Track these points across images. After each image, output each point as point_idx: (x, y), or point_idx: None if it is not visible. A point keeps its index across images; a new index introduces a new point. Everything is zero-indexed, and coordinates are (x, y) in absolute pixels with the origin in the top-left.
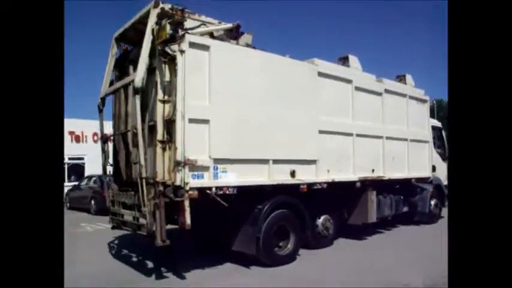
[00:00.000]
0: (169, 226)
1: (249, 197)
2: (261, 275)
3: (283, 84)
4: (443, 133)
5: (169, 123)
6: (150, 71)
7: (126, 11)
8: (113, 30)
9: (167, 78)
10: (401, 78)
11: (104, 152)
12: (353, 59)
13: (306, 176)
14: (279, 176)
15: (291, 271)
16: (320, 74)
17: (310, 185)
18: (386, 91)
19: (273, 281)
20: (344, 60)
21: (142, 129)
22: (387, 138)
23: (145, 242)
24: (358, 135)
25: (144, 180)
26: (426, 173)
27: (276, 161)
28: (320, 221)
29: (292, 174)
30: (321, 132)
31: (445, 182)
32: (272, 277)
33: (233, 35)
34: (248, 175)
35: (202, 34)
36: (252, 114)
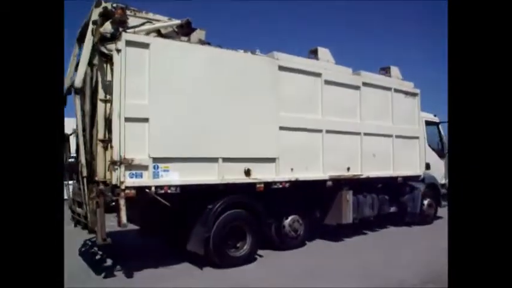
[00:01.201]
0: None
1: (201, 196)
2: (209, 276)
3: (237, 79)
4: (441, 128)
5: (109, 123)
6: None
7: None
8: None
9: (108, 77)
10: (386, 71)
11: (64, 151)
12: (323, 52)
13: (263, 174)
14: (231, 174)
15: (243, 273)
16: (281, 68)
17: (268, 184)
18: (365, 84)
19: (216, 283)
20: (313, 53)
21: (83, 129)
22: (366, 134)
23: (120, 240)
24: (328, 131)
25: (85, 179)
26: (416, 171)
27: (226, 159)
28: (287, 221)
29: (247, 172)
30: (282, 128)
31: (442, 181)
32: (218, 280)
33: (185, 31)
34: (195, 174)
35: (148, 32)
36: (197, 112)
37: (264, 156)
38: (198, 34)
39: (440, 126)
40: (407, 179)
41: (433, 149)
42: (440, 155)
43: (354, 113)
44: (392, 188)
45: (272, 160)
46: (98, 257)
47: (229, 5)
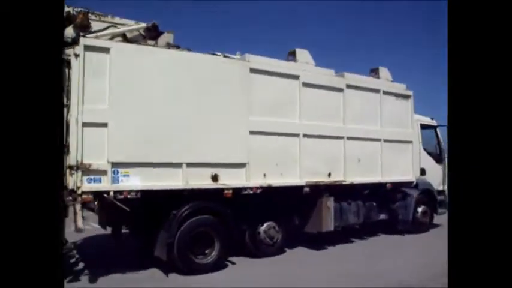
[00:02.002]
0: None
1: (167, 201)
2: (171, 283)
3: (204, 83)
4: (438, 132)
5: (68, 127)
6: None
7: (127, 12)
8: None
9: (68, 82)
10: (375, 72)
11: None
12: (302, 53)
13: (233, 180)
14: (197, 180)
15: (207, 280)
16: (253, 71)
17: (238, 190)
18: (349, 87)
19: None
20: (292, 55)
21: None
22: (350, 138)
23: (104, 243)
24: (307, 135)
25: None
26: (409, 176)
27: (191, 165)
28: (262, 228)
29: (214, 178)
30: (253, 133)
31: (440, 187)
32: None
33: (152, 34)
34: (159, 179)
35: (113, 36)
36: (160, 116)
37: (232, 161)
38: (166, 37)
39: (438, 129)
40: (398, 185)
41: (430, 154)
42: (438, 159)
43: (337, 116)
44: (382, 195)
45: (242, 165)
46: (73, 260)
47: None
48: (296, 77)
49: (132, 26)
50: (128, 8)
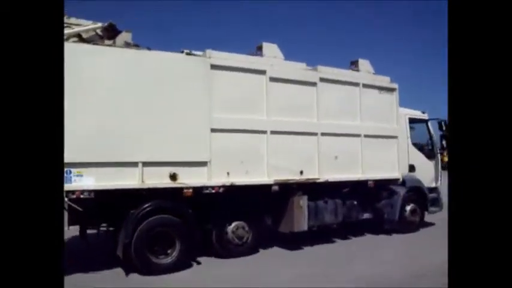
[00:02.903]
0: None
1: (125, 201)
2: (128, 283)
3: (161, 81)
4: (430, 126)
5: None
6: None
7: (126, 12)
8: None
9: None
10: (356, 65)
11: None
12: (269, 47)
13: (193, 179)
14: (155, 179)
15: (165, 281)
16: (214, 67)
17: (199, 189)
18: (324, 80)
19: None
20: (259, 50)
21: None
22: (324, 134)
23: (75, 243)
24: (275, 132)
25: None
26: (394, 173)
27: (148, 164)
28: (230, 228)
29: (173, 177)
30: (214, 130)
31: (432, 184)
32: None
33: (110, 34)
34: (114, 179)
35: (68, 37)
36: (114, 115)
37: (193, 160)
38: (124, 37)
39: (430, 124)
40: (383, 182)
41: (421, 149)
42: (429, 155)
43: (310, 111)
44: (365, 193)
45: (203, 164)
46: None
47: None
48: (262, 72)
49: (88, 26)
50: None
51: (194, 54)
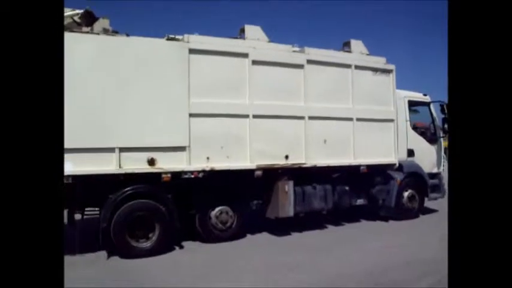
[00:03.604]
0: None
1: (105, 186)
2: (107, 266)
3: (139, 67)
4: (432, 109)
5: None
6: None
7: (127, 12)
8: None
9: None
10: (348, 46)
11: None
12: (252, 29)
13: (172, 164)
14: (133, 164)
15: (141, 265)
16: (192, 51)
17: (177, 174)
18: (311, 62)
19: (106, 274)
20: (242, 32)
21: None
22: (312, 118)
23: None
24: (257, 116)
25: None
26: (390, 158)
27: (125, 149)
28: (213, 213)
29: (151, 162)
30: (193, 115)
31: (433, 170)
32: (109, 270)
33: (88, 21)
34: (92, 164)
35: None
36: (89, 101)
37: (171, 145)
38: (102, 23)
39: (432, 106)
40: (377, 167)
41: (422, 133)
42: (431, 139)
43: (296, 94)
44: (358, 178)
45: (182, 149)
46: None
47: None
48: (244, 55)
49: (66, 13)
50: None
51: (176, 39)
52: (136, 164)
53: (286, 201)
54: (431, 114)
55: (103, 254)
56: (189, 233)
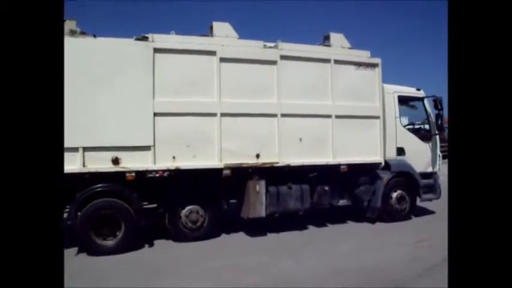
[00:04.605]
0: None
1: (72, 184)
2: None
3: (101, 67)
4: (426, 105)
5: None
6: None
7: (128, 12)
8: (114, 30)
9: None
10: (328, 40)
11: None
12: (220, 26)
13: (137, 163)
14: (98, 163)
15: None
16: (157, 51)
17: (142, 173)
18: (285, 58)
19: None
20: (211, 30)
21: None
22: (286, 116)
23: None
24: (226, 114)
25: None
26: (375, 157)
27: (90, 148)
28: (183, 212)
29: (115, 161)
30: (158, 114)
31: (428, 169)
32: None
33: None
34: None
35: None
36: None
37: (135, 144)
38: (68, 24)
39: (426, 101)
40: (361, 167)
41: (415, 130)
42: (425, 137)
43: (269, 91)
44: (341, 178)
45: (147, 148)
46: None
47: None
48: (212, 53)
49: None
50: None
51: (145, 39)
52: (100, 163)
53: (257, 201)
54: (426, 110)
55: (74, 251)
56: (164, 231)
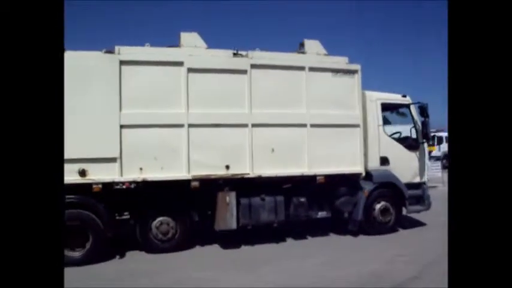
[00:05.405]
0: None
1: None
2: None
3: (69, 80)
4: (413, 112)
5: None
6: None
7: (128, 12)
8: (113, 30)
9: None
10: (302, 47)
11: None
12: (188, 36)
13: (103, 175)
14: (64, 175)
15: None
16: (124, 63)
17: (109, 185)
18: (256, 67)
19: None
20: (178, 40)
21: None
22: (257, 126)
23: None
24: (194, 125)
25: None
26: (355, 167)
27: None
28: (154, 223)
29: (82, 173)
30: (124, 127)
31: (415, 179)
32: None
33: None
34: None
35: None
36: None
37: (101, 156)
38: None
39: (412, 108)
40: (341, 177)
41: (402, 139)
42: (411, 145)
43: (240, 101)
44: (320, 189)
45: (113, 160)
46: None
47: None
48: (180, 64)
49: None
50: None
51: (95, 52)
52: (67, 175)
53: (227, 213)
54: (412, 117)
55: None
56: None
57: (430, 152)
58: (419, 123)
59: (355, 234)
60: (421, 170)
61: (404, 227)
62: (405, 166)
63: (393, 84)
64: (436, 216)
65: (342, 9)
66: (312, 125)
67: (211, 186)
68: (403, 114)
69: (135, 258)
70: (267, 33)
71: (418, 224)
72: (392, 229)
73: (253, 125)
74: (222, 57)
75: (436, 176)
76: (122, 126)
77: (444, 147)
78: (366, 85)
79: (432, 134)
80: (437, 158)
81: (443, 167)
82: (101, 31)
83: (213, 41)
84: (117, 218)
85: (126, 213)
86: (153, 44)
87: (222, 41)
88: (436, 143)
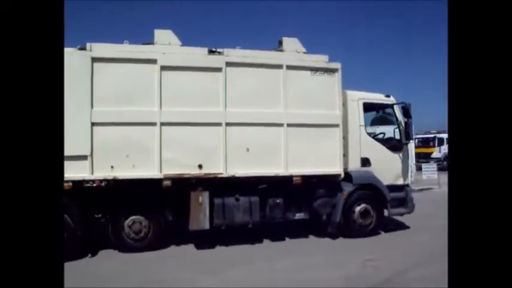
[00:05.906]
0: None
1: None
2: None
3: None
4: (397, 112)
5: None
6: None
7: (128, 12)
8: (113, 30)
9: None
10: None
11: None
12: (162, 34)
13: (73, 173)
14: None
15: None
16: (96, 60)
17: (79, 183)
18: (231, 64)
19: None
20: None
21: None
22: (232, 124)
23: None
24: (166, 124)
25: None
26: (334, 168)
27: None
28: (126, 222)
29: None
30: (95, 124)
31: (398, 181)
32: None
33: None
34: None
35: None
36: None
37: (72, 153)
38: None
39: (396, 108)
40: (319, 178)
41: (385, 140)
42: (394, 146)
43: (214, 100)
44: (297, 191)
45: (84, 157)
46: None
47: None
48: (153, 61)
49: None
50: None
51: (83, 49)
52: None
53: (200, 213)
54: (396, 117)
55: None
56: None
57: (430, 154)
58: (403, 124)
59: (334, 236)
60: (404, 172)
61: (387, 230)
62: (387, 167)
63: (393, 84)
64: (426, 219)
65: (333, 8)
66: (289, 125)
67: (184, 186)
68: (389, 115)
69: (110, 257)
70: (265, 34)
71: (402, 227)
72: (373, 232)
73: (228, 124)
74: (196, 54)
75: (432, 178)
76: (93, 124)
77: (445, 148)
78: (365, 86)
79: (432, 136)
80: (437, 160)
81: (444, 169)
82: (92, 29)
83: (207, 41)
84: (89, 216)
85: (98, 212)
86: (132, 42)
87: (216, 41)
88: (436, 145)
